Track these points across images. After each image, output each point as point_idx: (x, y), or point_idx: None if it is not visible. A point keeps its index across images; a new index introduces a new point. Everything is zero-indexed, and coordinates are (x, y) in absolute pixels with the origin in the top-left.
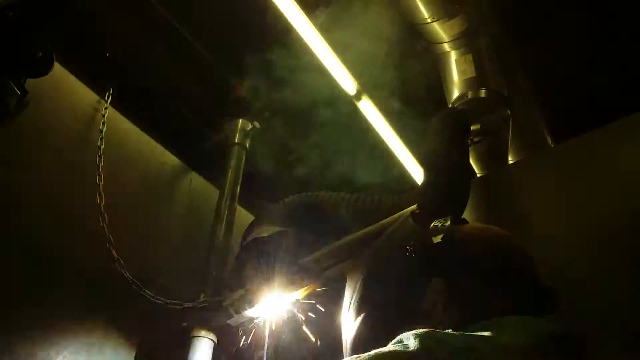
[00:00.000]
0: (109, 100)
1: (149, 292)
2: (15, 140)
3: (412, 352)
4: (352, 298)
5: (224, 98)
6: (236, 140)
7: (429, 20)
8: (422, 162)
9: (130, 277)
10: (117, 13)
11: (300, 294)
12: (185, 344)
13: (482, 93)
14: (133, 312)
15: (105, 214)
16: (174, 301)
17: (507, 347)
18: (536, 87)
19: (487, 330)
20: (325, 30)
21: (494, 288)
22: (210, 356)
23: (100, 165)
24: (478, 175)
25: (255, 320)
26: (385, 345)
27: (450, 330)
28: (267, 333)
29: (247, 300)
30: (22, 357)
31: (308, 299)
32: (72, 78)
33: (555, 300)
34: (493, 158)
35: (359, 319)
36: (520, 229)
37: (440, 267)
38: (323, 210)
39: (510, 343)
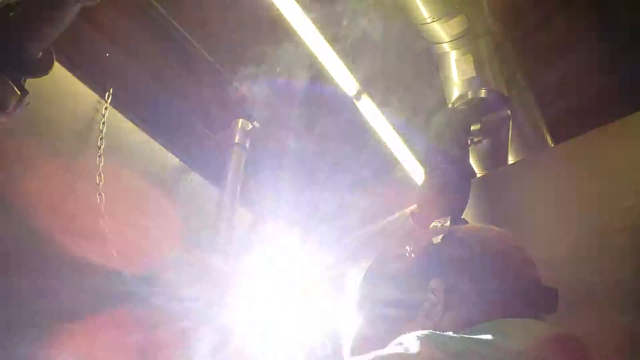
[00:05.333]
0: (109, 100)
1: (149, 292)
2: (15, 141)
3: (413, 354)
4: (352, 297)
5: (224, 98)
6: (236, 140)
7: (428, 21)
8: (423, 162)
9: (130, 277)
10: (117, 13)
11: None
12: (185, 344)
13: (482, 93)
14: (133, 312)
15: (105, 214)
16: (174, 301)
17: (509, 350)
18: (536, 87)
19: (488, 333)
20: (326, 29)
21: (494, 289)
22: (210, 356)
23: (100, 165)
24: (478, 175)
25: (255, 320)
26: (385, 345)
27: (451, 333)
28: (267, 333)
29: (247, 300)
30: (22, 356)
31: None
32: (72, 78)
33: (554, 301)
34: (493, 158)
35: (360, 318)
36: (520, 228)
37: (439, 267)
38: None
39: (512, 347)
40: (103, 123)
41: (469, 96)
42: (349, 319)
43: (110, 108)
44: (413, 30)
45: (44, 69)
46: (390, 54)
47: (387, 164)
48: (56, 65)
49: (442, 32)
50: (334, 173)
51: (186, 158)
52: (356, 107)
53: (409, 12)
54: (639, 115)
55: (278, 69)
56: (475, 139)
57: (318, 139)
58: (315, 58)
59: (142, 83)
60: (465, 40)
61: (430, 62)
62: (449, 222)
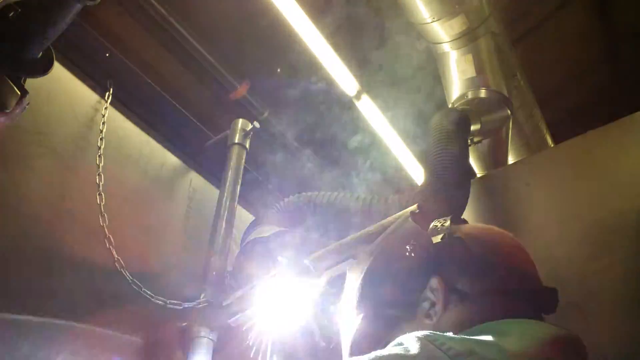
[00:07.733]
0: (109, 100)
1: (149, 292)
2: (15, 141)
3: (413, 355)
4: (352, 297)
5: (224, 98)
6: (236, 140)
7: (429, 20)
8: (423, 162)
9: (130, 277)
10: (117, 13)
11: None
12: (185, 344)
13: (482, 93)
14: (133, 312)
15: (105, 214)
16: (174, 301)
17: (509, 352)
18: (536, 87)
19: (488, 334)
20: (326, 29)
21: (494, 289)
22: (210, 356)
23: (100, 165)
24: (478, 175)
25: (255, 320)
26: (385, 344)
27: (451, 333)
28: (267, 333)
29: (247, 300)
30: (22, 357)
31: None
32: (72, 78)
33: (554, 301)
34: (493, 158)
35: (359, 317)
36: (519, 228)
37: (439, 267)
38: (323, 210)
39: (513, 348)
40: (103, 123)
41: (469, 96)
42: (348, 318)
43: (110, 108)
44: (413, 31)
45: (44, 69)
46: (390, 54)
47: (387, 163)
48: (56, 65)
49: (442, 32)
50: (333, 172)
51: (186, 158)
52: (356, 107)
53: (409, 12)
54: (639, 115)
55: (278, 68)
56: (475, 139)
57: (318, 139)
58: (316, 58)
59: (142, 83)
60: (465, 40)
61: (430, 62)
62: (449, 222)
